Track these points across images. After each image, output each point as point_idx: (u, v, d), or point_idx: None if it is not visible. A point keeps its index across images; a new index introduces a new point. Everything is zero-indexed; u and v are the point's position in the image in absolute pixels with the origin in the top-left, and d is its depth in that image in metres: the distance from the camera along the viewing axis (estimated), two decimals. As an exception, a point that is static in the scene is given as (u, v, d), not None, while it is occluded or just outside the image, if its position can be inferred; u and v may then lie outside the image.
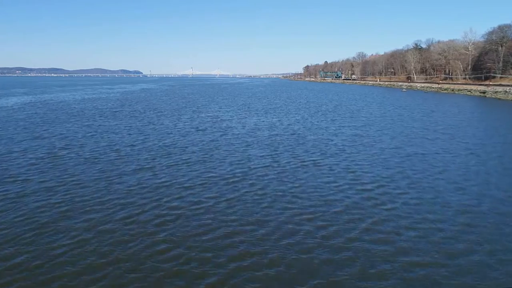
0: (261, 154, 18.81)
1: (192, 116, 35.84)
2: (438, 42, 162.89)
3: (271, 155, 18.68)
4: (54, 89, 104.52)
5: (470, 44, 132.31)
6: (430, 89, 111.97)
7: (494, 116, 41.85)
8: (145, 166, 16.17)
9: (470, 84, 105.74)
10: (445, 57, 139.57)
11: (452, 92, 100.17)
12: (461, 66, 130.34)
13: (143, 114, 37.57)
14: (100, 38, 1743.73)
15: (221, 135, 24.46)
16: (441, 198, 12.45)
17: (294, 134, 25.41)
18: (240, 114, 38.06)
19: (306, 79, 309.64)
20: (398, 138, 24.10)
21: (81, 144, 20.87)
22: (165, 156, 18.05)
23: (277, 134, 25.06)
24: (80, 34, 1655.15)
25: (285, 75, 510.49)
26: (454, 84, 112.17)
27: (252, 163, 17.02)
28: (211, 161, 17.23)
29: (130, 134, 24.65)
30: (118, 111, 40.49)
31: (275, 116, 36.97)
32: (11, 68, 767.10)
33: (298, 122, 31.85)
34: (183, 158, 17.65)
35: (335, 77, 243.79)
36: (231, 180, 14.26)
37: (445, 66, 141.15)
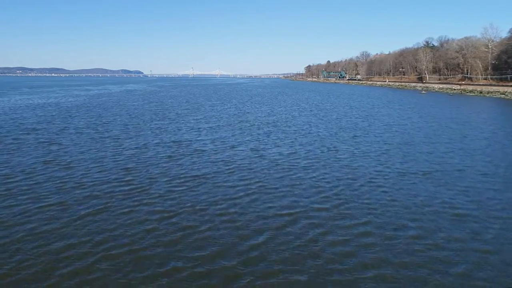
0: None
1: (145, 142, 22.05)
2: (448, 40, 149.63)
3: None
4: (21, 90, 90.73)
5: (491, 41, 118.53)
6: (452, 91, 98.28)
7: None
8: None
9: (499, 85, 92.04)
10: (463, 55, 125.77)
11: (480, 94, 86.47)
12: (481, 65, 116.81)
13: (73, 135, 23.86)
14: (101, 38, 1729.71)
15: (163, 219, 10.69)
16: None
17: (324, 208, 11.60)
18: (224, 137, 24.31)
19: (308, 79, 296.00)
20: None
21: None
22: None
23: (289, 208, 11.28)
24: (81, 34, 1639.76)
25: (286, 75, 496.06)
26: (480, 85, 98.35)
27: None
28: None
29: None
30: (41, 129, 26.76)
31: (281, 141, 23.24)
32: (12, 68, 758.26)
33: (321, 160, 18.13)
34: None
35: (339, 77, 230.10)
36: None
37: (463, 66, 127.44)
